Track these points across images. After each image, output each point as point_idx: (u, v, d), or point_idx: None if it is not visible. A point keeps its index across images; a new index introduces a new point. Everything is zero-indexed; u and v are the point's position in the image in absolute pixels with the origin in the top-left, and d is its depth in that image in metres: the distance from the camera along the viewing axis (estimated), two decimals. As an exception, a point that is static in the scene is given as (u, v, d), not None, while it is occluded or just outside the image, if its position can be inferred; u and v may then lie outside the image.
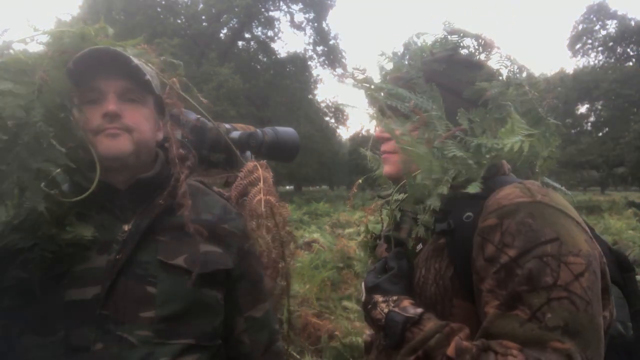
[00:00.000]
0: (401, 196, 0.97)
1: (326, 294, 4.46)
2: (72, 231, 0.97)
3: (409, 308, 0.86)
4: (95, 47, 0.99)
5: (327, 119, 33.59)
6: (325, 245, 6.47)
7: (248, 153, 1.53)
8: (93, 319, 0.96)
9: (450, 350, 0.76)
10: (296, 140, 1.60)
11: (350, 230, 7.94)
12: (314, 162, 27.51)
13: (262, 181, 1.19)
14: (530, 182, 0.89)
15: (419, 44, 1.07)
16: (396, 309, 0.87)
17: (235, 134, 1.49)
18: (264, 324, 1.20)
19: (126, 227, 1.05)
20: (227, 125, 1.52)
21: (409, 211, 0.97)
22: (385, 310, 0.88)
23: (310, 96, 30.93)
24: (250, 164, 1.24)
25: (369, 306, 0.91)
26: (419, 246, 0.97)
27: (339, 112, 34.42)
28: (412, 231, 0.95)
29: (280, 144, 1.54)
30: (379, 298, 0.90)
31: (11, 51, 0.94)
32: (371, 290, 0.92)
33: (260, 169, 1.22)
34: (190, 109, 1.27)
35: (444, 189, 0.88)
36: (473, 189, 0.84)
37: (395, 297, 0.89)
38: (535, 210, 0.81)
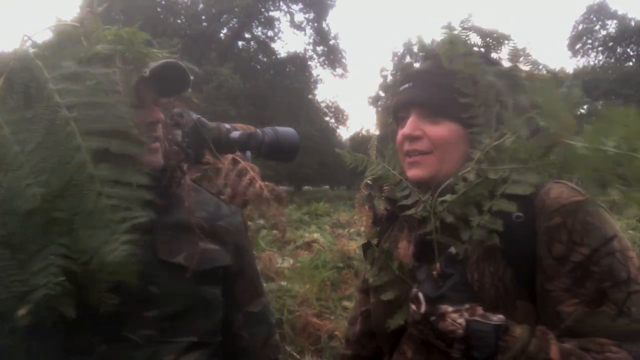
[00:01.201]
0: (448, 197, 0.89)
1: (326, 294, 4.45)
2: None
3: (490, 315, 0.81)
4: (171, 62, 0.99)
5: (327, 119, 33.62)
6: (325, 245, 6.47)
7: (248, 153, 1.53)
8: (95, 320, 0.95)
9: (555, 354, 0.76)
10: (296, 140, 1.60)
11: (351, 230, 7.94)
12: (314, 162, 27.52)
13: (251, 170, 1.20)
14: (565, 181, 0.90)
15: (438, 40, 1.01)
16: (477, 318, 0.80)
17: (235, 134, 1.49)
18: (262, 318, 1.22)
19: None
20: (227, 125, 1.52)
21: (459, 213, 0.90)
22: (460, 320, 0.80)
23: (310, 96, 30.93)
24: (229, 156, 1.25)
25: (433, 318, 0.82)
26: (453, 250, 0.91)
27: (339, 112, 34.47)
28: (463, 234, 0.88)
29: (280, 144, 1.54)
30: (447, 308, 0.82)
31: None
32: (437, 300, 0.83)
33: (241, 161, 1.23)
34: (198, 106, 1.28)
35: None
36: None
37: (467, 306, 0.82)
38: (591, 208, 0.85)
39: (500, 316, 0.81)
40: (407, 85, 1.03)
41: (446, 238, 0.91)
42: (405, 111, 1.03)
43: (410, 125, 0.99)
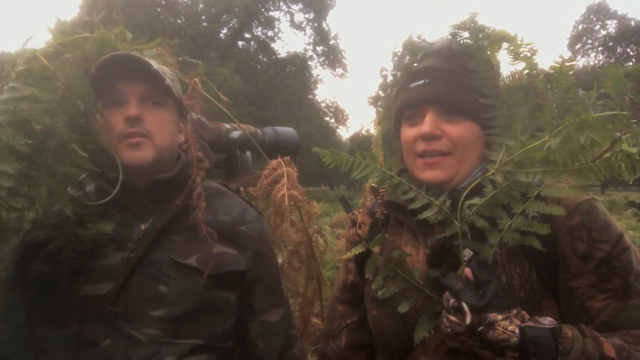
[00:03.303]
0: (476, 200, 0.86)
1: (326, 294, 4.45)
2: (93, 227, 0.99)
3: (538, 319, 0.80)
4: (116, 53, 1.01)
5: (327, 119, 33.58)
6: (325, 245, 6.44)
7: (248, 153, 1.53)
8: (104, 315, 0.98)
9: (610, 351, 0.78)
10: (296, 140, 1.61)
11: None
12: (314, 162, 27.44)
13: (285, 176, 1.17)
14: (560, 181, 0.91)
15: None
16: (530, 323, 0.78)
17: (235, 134, 1.49)
18: (278, 329, 1.18)
19: (143, 227, 1.06)
20: (227, 125, 1.52)
21: (487, 217, 0.87)
22: (511, 327, 0.77)
23: (310, 96, 30.90)
24: (274, 161, 1.24)
25: (481, 328, 0.79)
26: (468, 253, 0.89)
27: (339, 112, 34.43)
28: (491, 237, 0.86)
29: (280, 144, 1.54)
30: (496, 316, 0.78)
31: (31, 55, 0.95)
32: (483, 309, 0.79)
33: (283, 165, 1.21)
34: (212, 109, 1.28)
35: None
36: None
37: (515, 311, 0.80)
38: (599, 206, 0.89)
39: (550, 318, 0.80)
40: (420, 82, 0.96)
41: (473, 242, 0.88)
42: (418, 109, 0.97)
43: (430, 124, 0.94)
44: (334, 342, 1.21)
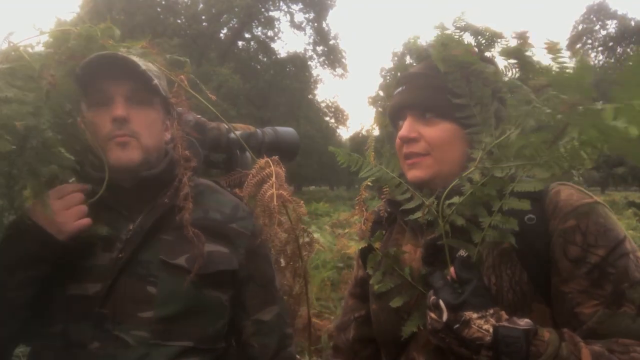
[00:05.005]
0: (455, 199, 0.87)
1: (326, 294, 4.45)
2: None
3: (516, 320, 0.80)
4: (102, 53, 0.99)
5: (327, 119, 33.61)
6: (325, 245, 6.45)
7: (248, 153, 1.53)
8: (92, 317, 0.96)
9: (586, 358, 0.76)
10: (296, 140, 1.60)
11: (351, 230, 7.93)
12: (314, 162, 27.48)
13: (274, 176, 1.17)
14: (570, 183, 0.91)
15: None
16: (505, 323, 0.78)
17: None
18: (273, 328, 1.16)
19: (131, 226, 1.05)
20: (227, 125, 1.52)
21: (468, 215, 0.88)
22: (486, 326, 0.78)
23: (310, 96, 30.93)
24: (262, 160, 1.23)
25: (457, 326, 0.79)
26: (463, 253, 0.89)
27: (339, 112, 34.47)
28: (474, 236, 0.87)
29: (280, 144, 1.54)
30: (472, 315, 0.79)
31: (14, 53, 0.93)
32: (459, 307, 0.80)
33: (272, 165, 1.20)
34: (198, 106, 1.27)
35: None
36: None
37: (492, 311, 0.80)
38: (601, 210, 0.86)
39: (527, 320, 0.79)
40: (400, 89, 1.03)
41: (457, 241, 0.89)
42: (401, 114, 1.03)
43: (406, 128, 0.99)
44: (344, 334, 1.25)
